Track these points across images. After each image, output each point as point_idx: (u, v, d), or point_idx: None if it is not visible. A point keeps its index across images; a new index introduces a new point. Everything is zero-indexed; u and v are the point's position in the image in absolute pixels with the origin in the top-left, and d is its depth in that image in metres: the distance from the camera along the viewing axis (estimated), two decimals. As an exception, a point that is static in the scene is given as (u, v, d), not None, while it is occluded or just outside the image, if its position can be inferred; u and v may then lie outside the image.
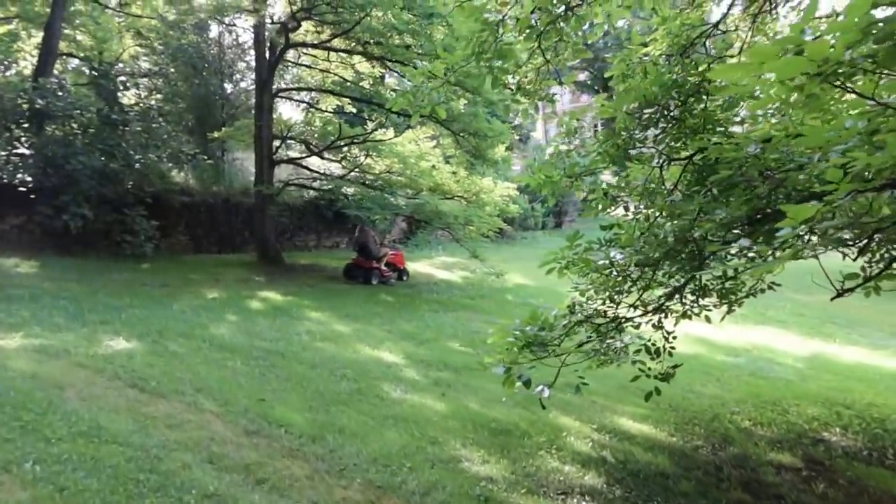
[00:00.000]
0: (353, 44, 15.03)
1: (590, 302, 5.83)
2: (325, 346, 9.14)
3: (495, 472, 5.43)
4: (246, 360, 7.90)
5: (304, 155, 17.05)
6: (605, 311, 5.72)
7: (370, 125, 18.45)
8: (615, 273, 5.35)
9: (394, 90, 17.45)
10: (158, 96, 19.33)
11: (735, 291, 6.76)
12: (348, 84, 16.52)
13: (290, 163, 16.87)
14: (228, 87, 23.36)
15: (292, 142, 17.96)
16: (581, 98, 43.96)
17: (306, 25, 14.72)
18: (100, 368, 6.76)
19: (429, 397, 7.36)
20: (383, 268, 15.71)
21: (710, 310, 6.62)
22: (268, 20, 14.65)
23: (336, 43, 15.14)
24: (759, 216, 4.66)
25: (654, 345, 6.16)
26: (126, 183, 14.49)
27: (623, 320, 5.82)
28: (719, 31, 6.46)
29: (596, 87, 36.71)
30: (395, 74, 18.02)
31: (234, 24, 20.59)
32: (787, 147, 4.34)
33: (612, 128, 6.45)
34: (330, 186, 16.10)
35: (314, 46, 15.35)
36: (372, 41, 14.57)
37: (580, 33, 5.91)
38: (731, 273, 6.23)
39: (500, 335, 6.07)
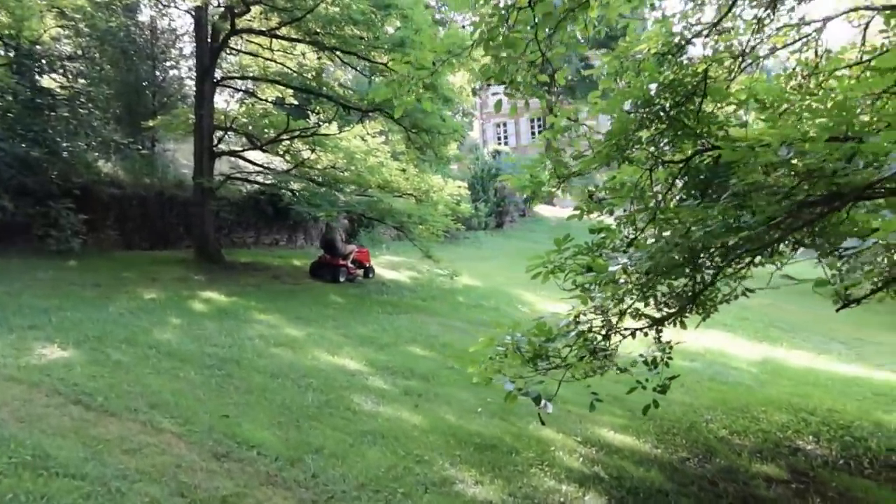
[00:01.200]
0: (303, 34, 14.32)
1: (587, 311, 5.52)
2: (281, 353, 8.54)
3: (492, 494, 5.05)
4: (199, 369, 7.23)
5: (245, 148, 16.20)
6: (608, 321, 5.43)
7: (312, 119, 17.78)
8: (622, 280, 5.04)
9: (341, 84, 16.85)
10: (83, 81, 17.98)
11: (713, 298, 6.64)
12: (295, 75, 15.75)
13: (232, 155, 15.96)
14: (160, 74, 22.08)
15: (230, 134, 17.03)
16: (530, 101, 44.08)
17: (254, 10, 13.90)
18: (35, 382, 5.98)
19: (402, 409, 6.91)
20: (350, 265, 15.55)
21: (687, 316, 6.47)
22: (212, 2, 13.76)
23: (285, 31, 14.38)
24: (775, 222, 4.46)
25: (651, 356, 5.94)
26: (50, 173, 13.32)
27: (626, 331, 5.55)
28: (716, 31, 6.28)
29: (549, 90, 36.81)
30: (346, 67, 17.42)
31: (169, 6, 19.39)
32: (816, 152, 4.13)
33: (608, 131, 6.18)
34: (275, 181, 15.31)
35: (262, 34, 14.52)
36: (322, 32, 13.92)
37: (585, 26, 5.57)
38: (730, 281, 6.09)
39: (486, 344, 5.75)
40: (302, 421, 6.06)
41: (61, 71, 15.71)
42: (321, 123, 15.59)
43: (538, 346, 4.97)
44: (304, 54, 16.10)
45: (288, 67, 16.13)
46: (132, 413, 5.55)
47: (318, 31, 13.98)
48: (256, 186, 18.56)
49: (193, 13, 14.75)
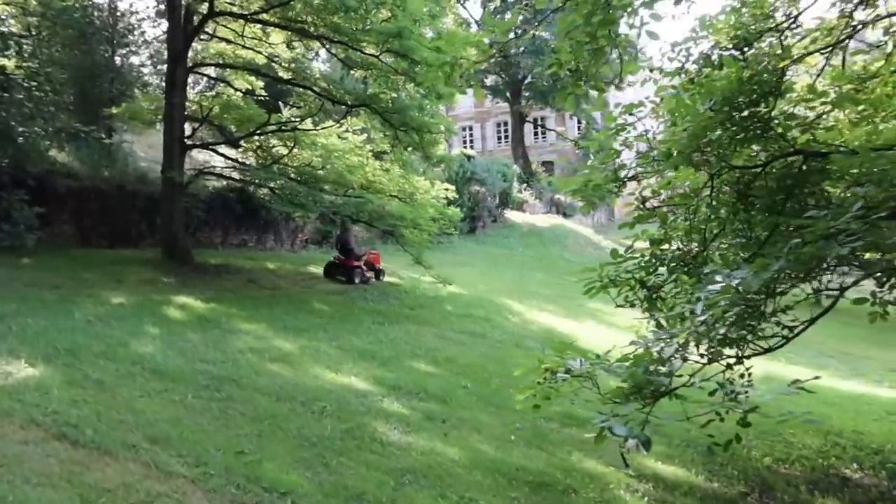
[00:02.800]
0: (287, 20, 13.32)
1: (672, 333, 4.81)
2: (279, 370, 7.60)
3: (575, 551, 4.29)
4: (195, 390, 6.26)
5: (217, 141, 15.04)
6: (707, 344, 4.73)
7: (286, 112, 16.73)
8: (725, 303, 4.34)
9: (323, 77, 15.84)
10: (34, 63, 16.51)
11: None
12: (274, 64, 14.70)
13: (206, 148, 14.78)
14: (120, 59, 20.63)
15: (197, 125, 15.81)
16: (485, 103, 43.64)
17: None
18: (6, 410, 4.93)
19: (433, 439, 6.10)
20: (363, 267, 15.25)
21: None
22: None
23: (267, 17, 13.36)
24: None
25: (731, 384, 5.29)
26: (1, 160, 11.98)
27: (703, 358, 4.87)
28: (793, 25, 5.69)
29: (507, 93, 36.38)
30: (323, 59, 16.45)
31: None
32: None
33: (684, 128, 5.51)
34: (251, 178, 14.21)
35: (243, 17, 13.45)
36: (311, 19, 12.96)
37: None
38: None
39: (535, 370, 5.10)
40: (328, 456, 5.19)
41: (15, 50, 14.27)
42: (301, 118, 14.57)
43: (642, 377, 4.22)
44: (287, 43, 15.03)
45: (265, 56, 15.05)
46: (131, 450, 4.58)
47: (306, 17, 13.00)
48: (224, 183, 17.38)
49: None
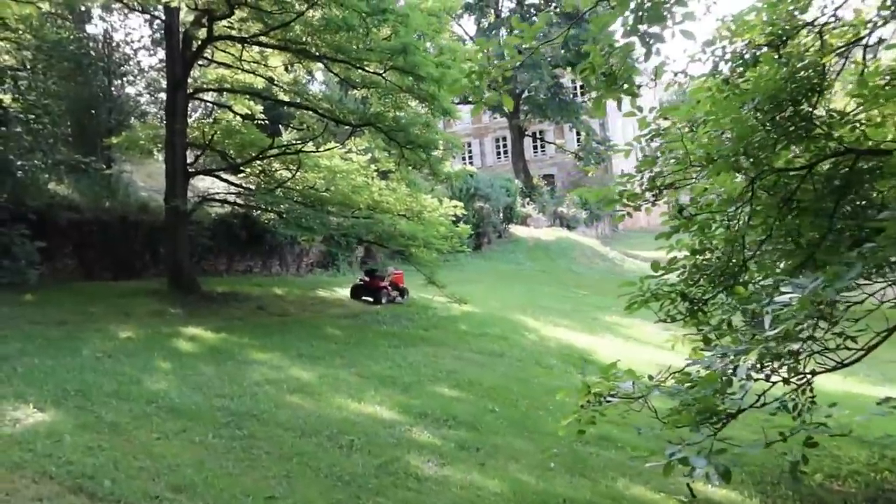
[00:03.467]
0: (287, 42, 13.09)
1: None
2: (300, 402, 7.24)
3: None
4: (215, 429, 5.90)
5: (218, 168, 14.74)
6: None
7: (286, 136, 16.50)
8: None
9: (325, 97, 15.59)
10: (31, 96, 16.29)
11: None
12: (275, 87, 14.47)
13: (210, 174, 14.50)
14: (116, 90, 20.45)
15: (198, 152, 15.53)
16: (483, 118, 43.53)
17: (233, 16, 12.57)
18: (16, 462, 4.56)
19: (470, 470, 5.74)
20: (389, 287, 15.49)
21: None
22: (187, 5, 12.40)
23: (266, 39, 13.12)
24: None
25: (793, 400, 4.95)
26: (0, 195, 11.67)
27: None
28: (833, 19, 5.40)
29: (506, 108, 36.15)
30: (324, 80, 16.25)
31: (128, 16, 17.89)
32: None
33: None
34: (256, 203, 13.89)
35: (243, 41, 13.22)
36: (311, 40, 12.73)
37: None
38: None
39: (575, 393, 4.84)
40: (364, 497, 4.83)
41: (11, 83, 14.04)
42: (304, 140, 14.31)
43: (706, 398, 3.88)
44: (286, 66, 14.82)
45: (264, 79, 14.82)
46: (153, 502, 4.22)
47: (306, 38, 12.77)
48: (228, 209, 17.09)
49: (164, 18, 13.35)
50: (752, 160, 5.14)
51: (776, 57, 5.53)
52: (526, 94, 35.21)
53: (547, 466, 6.17)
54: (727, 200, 5.80)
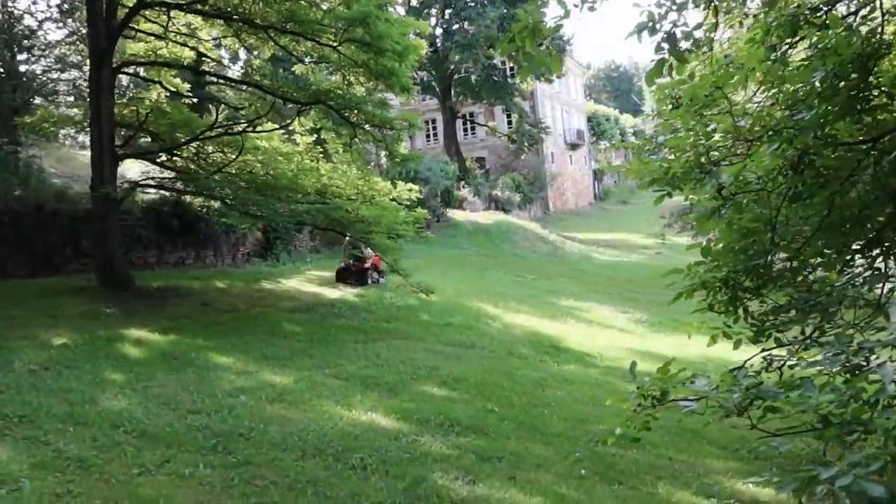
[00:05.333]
0: (227, 10, 11.86)
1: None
2: (286, 413, 6.38)
3: None
4: (202, 456, 4.98)
5: (151, 150, 13.33)
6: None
7: (220, 115, 15.19)
8: None
9: (265, 74, 14.35)
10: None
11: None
12: (214, 60, 13.19)
13: (143, 158, 13.08)
14: (26, 65, 18.51)
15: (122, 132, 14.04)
16: (412, 101, 42.50)
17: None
18: (-33, 524, 3.56)
19: (502, 486, 5.09)
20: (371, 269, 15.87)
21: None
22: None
23: (205, 8, 11.85)
24: None
25: None
26: None
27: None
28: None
29: (437, 88, 35.44)
30: (259, 54, 15.05)
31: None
32: None
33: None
34: (201, 188, 12.59)
35: (178, 7, 11.87)
36: (255, 8, 11.58)
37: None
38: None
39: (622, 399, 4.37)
40: (406, 532, 4.09)
41: None
42: (249, 120, 13.12)
43: (861, 409, 3.34)
44: (221, 39, 13.55)
45: (198, 53, 13.53)
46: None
47: (250, 7, 11.62)
48: (156, 196, 15.66)
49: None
50: (812, 134, 4.68)
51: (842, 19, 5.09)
52: (458, 75, 34.61)
53: (578, 474, 5.60)
54: (769, 178, 5.33)
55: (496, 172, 39.24)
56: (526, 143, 35.00)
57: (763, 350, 5.55)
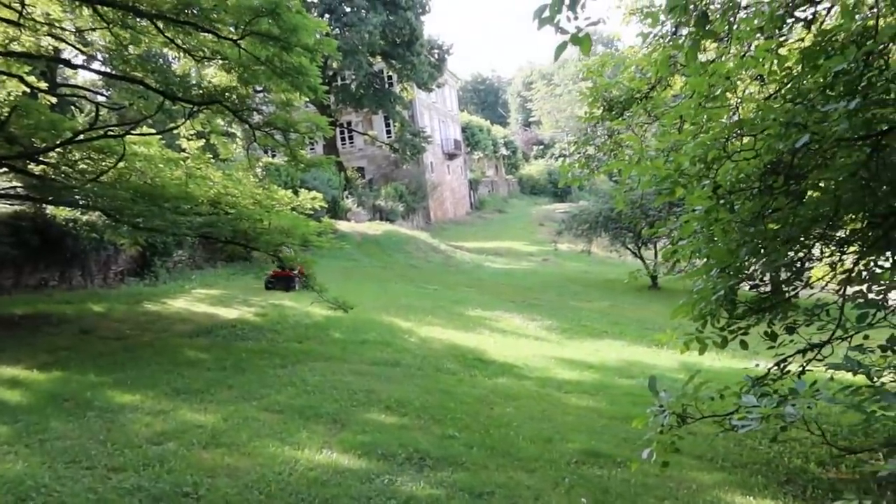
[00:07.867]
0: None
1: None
2: (230, 461, 5.37)
3: None
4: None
5: (10, 154, 11.38)
6: None
7: (82, 118, 13.48)
8: None
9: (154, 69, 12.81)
10: None
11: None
12: (91, 55, 11.54)
13: (5, 164, 11.10)
14: None
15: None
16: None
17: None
18: None
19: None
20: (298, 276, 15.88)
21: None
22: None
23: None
24: None
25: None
26: None
27: None
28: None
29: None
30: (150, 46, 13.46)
31: None
32: None
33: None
34: (80, 198, 10.86)
35: (46, -11, 10.20)
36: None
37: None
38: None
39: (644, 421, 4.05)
40: None
41: None
42: (132, 123, 11.61)
43: None
44: (89, 30, 11.89)
45: (70, 43, 11.83)
46: None
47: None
48: (9, 209, 13.61)
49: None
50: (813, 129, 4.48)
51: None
52: (337, 83, 33.61)
53: (579, 503, 5.07)
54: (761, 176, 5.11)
55: (377, 182, 38.54)
56: (409, 153, 34.58)
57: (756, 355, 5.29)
